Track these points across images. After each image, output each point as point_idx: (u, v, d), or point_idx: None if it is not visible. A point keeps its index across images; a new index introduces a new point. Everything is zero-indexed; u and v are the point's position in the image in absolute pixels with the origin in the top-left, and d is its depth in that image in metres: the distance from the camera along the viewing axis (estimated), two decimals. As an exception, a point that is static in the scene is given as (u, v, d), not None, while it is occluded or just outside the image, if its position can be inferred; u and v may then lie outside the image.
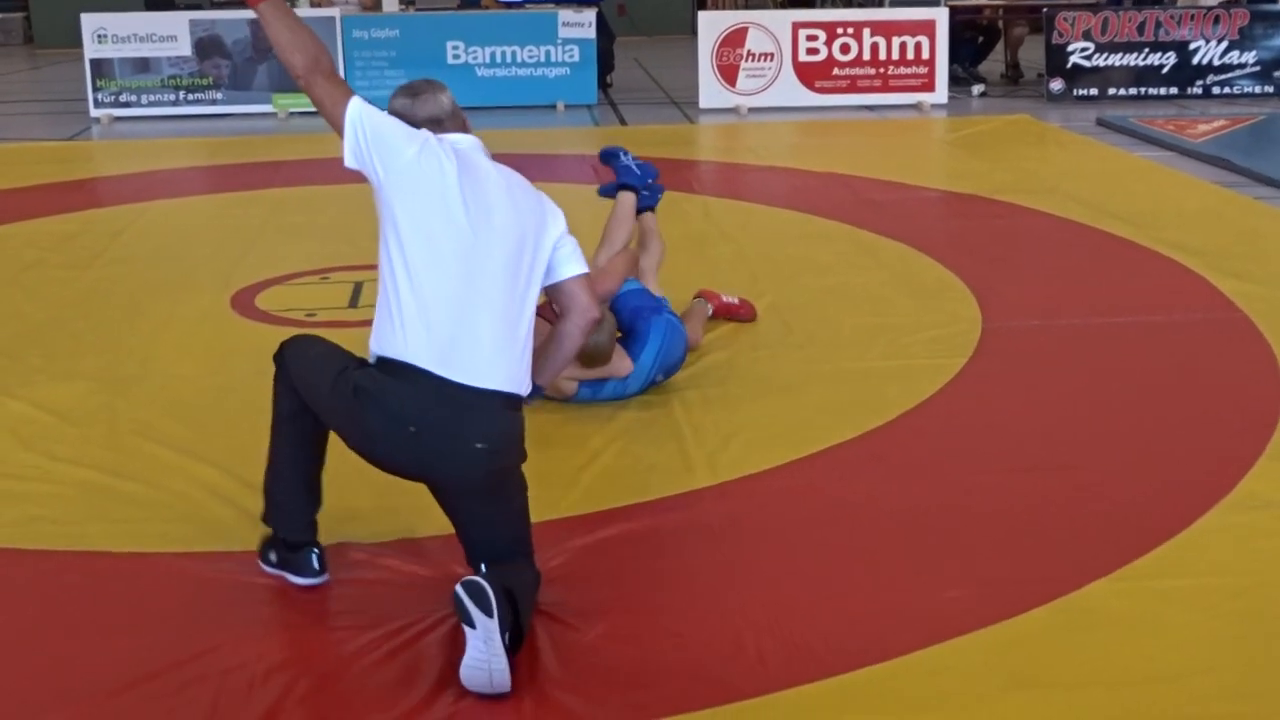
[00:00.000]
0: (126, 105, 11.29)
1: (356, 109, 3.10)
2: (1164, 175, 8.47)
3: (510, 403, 3.13)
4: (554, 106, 11.58)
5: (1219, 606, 3.20)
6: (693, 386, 4.68)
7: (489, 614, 2.79)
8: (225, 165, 9.43)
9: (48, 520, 3.73)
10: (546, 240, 3.24)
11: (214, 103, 11.34)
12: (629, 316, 4.52)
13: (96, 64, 11.26)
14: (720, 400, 4.58)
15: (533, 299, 3.21)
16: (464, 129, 3.26)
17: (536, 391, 3.36)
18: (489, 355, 3.08)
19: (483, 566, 3.08)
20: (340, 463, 3.32)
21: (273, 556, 3.33)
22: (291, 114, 11.24)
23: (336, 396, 3.11)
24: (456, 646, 2.89)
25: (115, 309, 5.75)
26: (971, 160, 9.15)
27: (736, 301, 5.28)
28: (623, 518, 3.70)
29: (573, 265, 3.29)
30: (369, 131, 3.09)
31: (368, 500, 3.68)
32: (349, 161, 3.16)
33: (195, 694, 2.86)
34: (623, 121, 11.22)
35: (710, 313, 5.15)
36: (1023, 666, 2.93)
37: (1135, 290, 5.85)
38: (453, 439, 3.04)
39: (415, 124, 3.18)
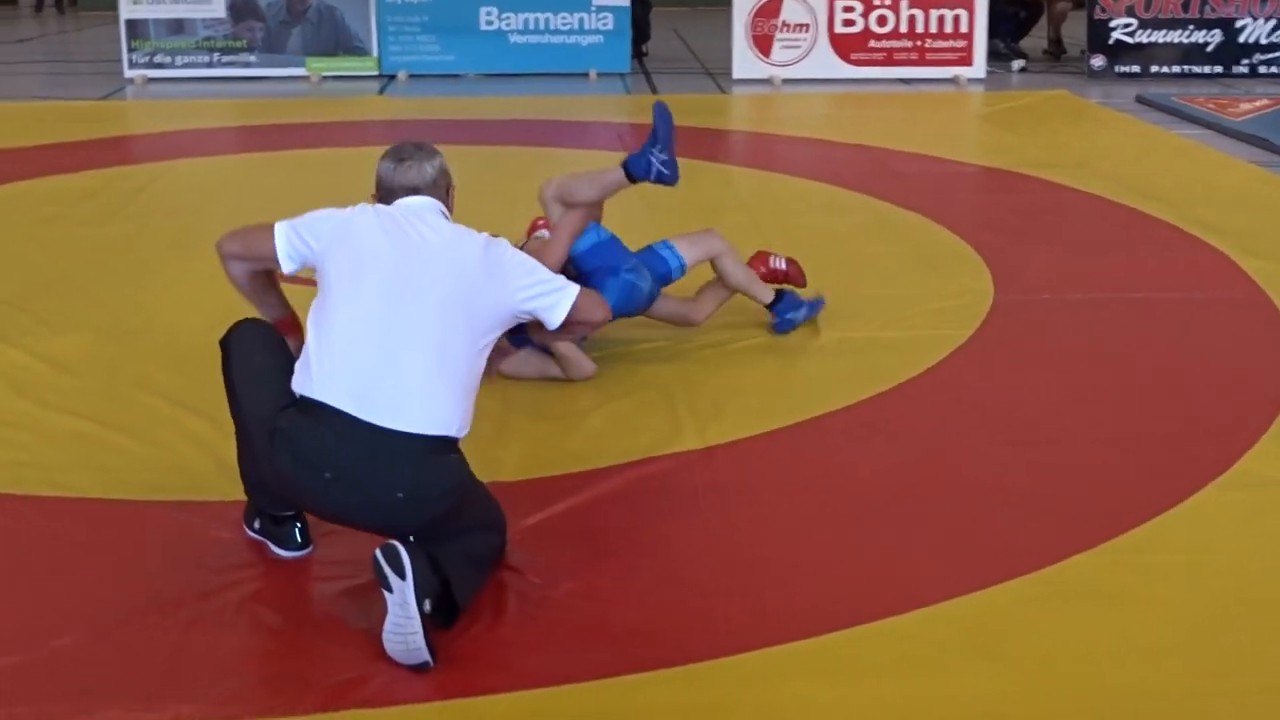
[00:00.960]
0: (160, 66, 11.35)
1: (281, 227, 3.16)
2: (1200, 153, 8.33)
3: (438, 447, 2.94)
4: (586, 74, 11.53)
5: (1204, 583, 3.15)
6: (689, 352, 4.67)
7: (402, 576, 2.69)
8: (254, 126, 9.49)
9: (34, 466, 3.76)
10: (503, 299, 3.09)
11: (247, 65, 11.37)
12: (589, 274, 4.41)
13: (132, 25, 11.33)
14: (716, 367, 4.55)
15: (477, 348, 3.05)
16: (442, 198, 3.25)
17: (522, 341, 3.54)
18: (415, 395, 2.91)
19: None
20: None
21: (257, 524, 3.28)
22: (324, 78, 11.28)
23: (256, 432, 3.01)
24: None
25: (127, 264, 5.79)
26: (1004, 135, 9.05)
27: (784, 266, 5.05)
28: (604, 478, 3.68)
29: (560, 307, 3.16)
30: (299, 230, 3.15)
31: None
32: (287, 268, 3.18)
33: (160, 638, 2.88)
34: (654, 90, 11.16)
35: (728, 298, 4.94)
36: (991, 637, 2.90)
37: (1155, 267, 5.77)
38: (370, 487, 2.89)
39: (390, 190, 3.21)
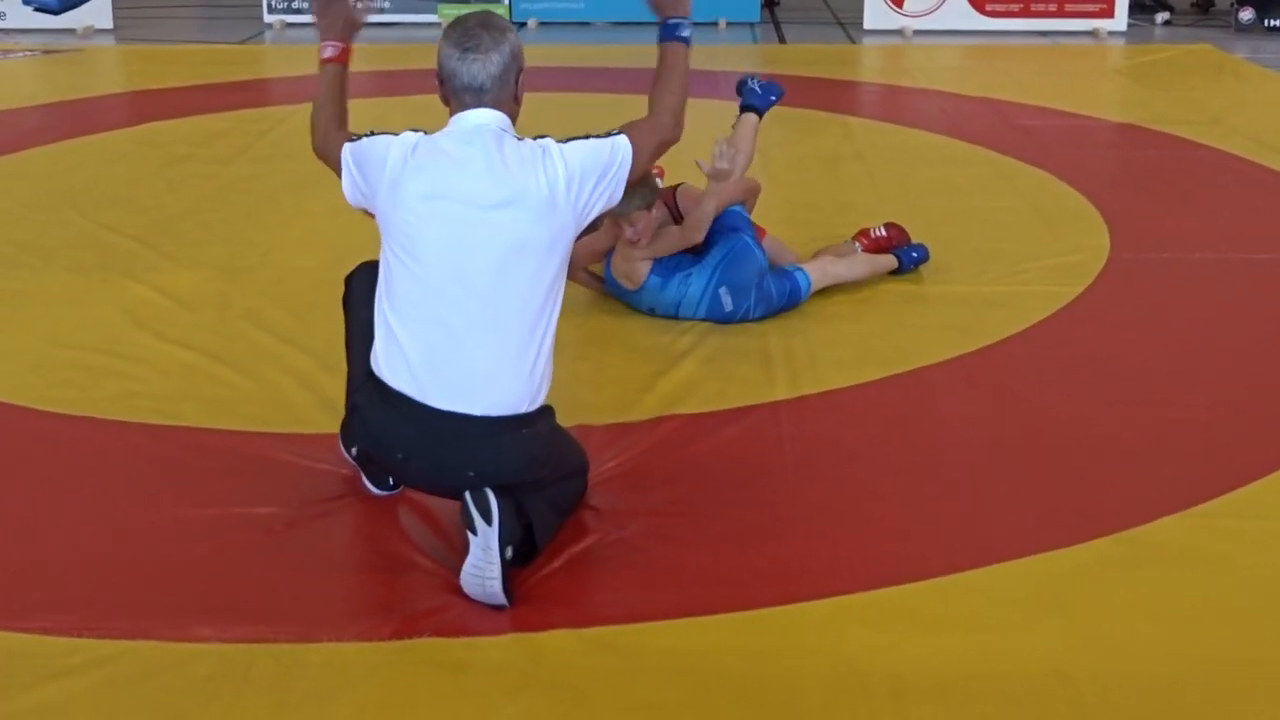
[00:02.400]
0: (299, 12, 11.57)
1: (347, 151, 3.04)
2: (1349, 111, 8.00)
3: (509, 425, 2.89)
4: (715, 23, 11.45)
5: (1291, 549, 3.07)
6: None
7: (489, 522, 2.72)
8: (385, 71, 9.61)
9: (146, 396, 3.90)
10: (567, 224, 2.94)
11: (381, 10, 11.53)
12: (712, 232, 4.47)
13: (272, -30, 11.58)
14: (815, 318, 4.51)
15: (548, 298, 2.93)
16: (510, 100, 3.00)
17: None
18: (480, 378, 2.86)
19: None
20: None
21: (354, 451, 3.18)
22: (456, 24, 11.38)
23: (350, 392, 3.12)
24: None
25: (248, 203, 5.97)
26: (1138, 89, 8.79)
27: (884, 233, 4.99)
28: (691, 424, 3.70)
29: (621, 181, 3.02)
30: (359, 164, 3.01)
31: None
32: (352, 200, 3.07)
33: (250, 562, 3.01)
34: (782, 40, 11.05)
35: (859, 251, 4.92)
36: (1065, 594, 2.85)
37: (1282, 228, 5.57)
38: (442, 466, 2.91)
39: (451, 87, 2.97)
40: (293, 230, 5.53)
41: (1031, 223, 5.60)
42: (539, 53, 10.30)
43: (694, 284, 4.41)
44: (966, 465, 3.51)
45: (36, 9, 11.36)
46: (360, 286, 3.20)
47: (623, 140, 3.05)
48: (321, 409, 3.75)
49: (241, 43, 10.96)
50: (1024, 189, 6.17)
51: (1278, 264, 5.09)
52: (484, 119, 2.95)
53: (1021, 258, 5.09)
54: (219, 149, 6.98)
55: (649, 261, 4.41)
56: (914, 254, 4.87)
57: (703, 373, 4.08)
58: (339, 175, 3.09)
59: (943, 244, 5.05)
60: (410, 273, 2.89)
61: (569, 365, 3.93)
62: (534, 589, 2.87)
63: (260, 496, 3.28)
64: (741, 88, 5.02)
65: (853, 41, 10.98)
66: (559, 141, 2.99)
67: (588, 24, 11.52)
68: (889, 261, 4.84)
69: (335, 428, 3.42)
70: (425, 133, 3.01)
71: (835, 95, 8.53)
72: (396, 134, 3.00)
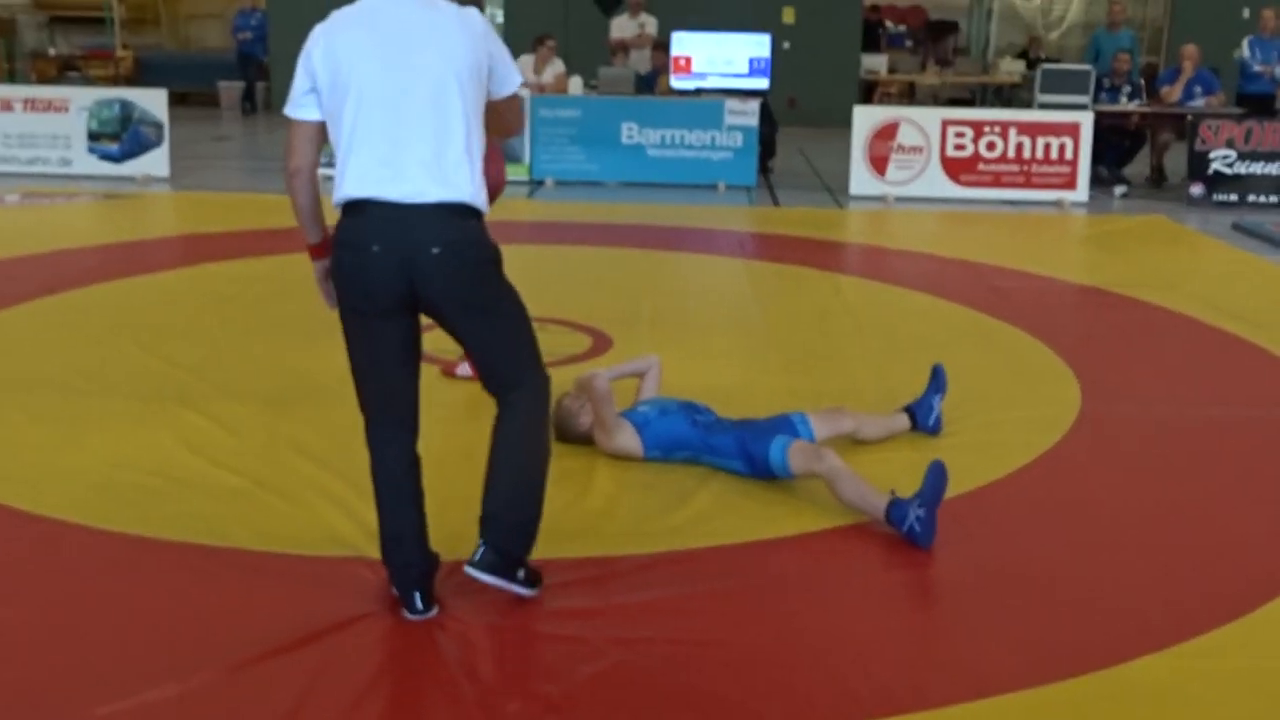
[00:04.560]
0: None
1: (290, 106, 3.27)
2: (1291, 280, 8.13)
3: (458, 211, 3.15)
4: (715, 186, 11.68)
5: (1267, 688, 3.04)
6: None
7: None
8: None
9: (199, 517, 3.90)
10: (480, 56, 3.22)
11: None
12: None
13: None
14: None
15: (471, 117, 3.20)
16: None
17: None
18: (426, 174, 3.11)
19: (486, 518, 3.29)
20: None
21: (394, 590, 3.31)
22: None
23: (343, 295, 3.23)
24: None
25: (291, 340, 6.00)
26: (1101, 255, 8.92)
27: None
28: (696, 558, 3.70)
29: (511, 83, 3.35)
30: (298, 86, 3.23)
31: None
32: (313, 115, 3.23)
33: (292, 675, 2.97)
34: (776, 203, 11.25)
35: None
36: (1051, 729, 2.83)
37: (1238, 385, 5.62)
38: (410, 248, 3.10)
39: None
40: (331, 365, 5.53)
41: (1007, 376, 5.64)
42: (556, 209, 10.52)
43: (705, 455, 4.39)
44: (955, 602, 3.51)
45: (101, 157, 11.58)
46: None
47: (514, 76, 3.37)
48: (358, 532, 3.75)
49: (284, 192, 11.10)
50: (1000, 344, 6.23)
51: (1234, 418, 5.12)
52: None
53: (999, 409, 5.12)
54: (264, 289, 7.06)
55: (630, 440, 4.43)
56: (913, 517, 3.81)
57: (713, 507, 4.07)
58: (293, 138, 3.30)
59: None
60: (357, 102, 3.13)
61: (584, 500, 3.94)
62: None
63: (300, 614, 3.26)
64: (911, 503, 3.84)
65: (839, 206, 11.16)
66: (486, 29, 3.29)
67: (599, 183, 11.73)
68: (881, 504, 3.92)
69: (371, 550, 3.44)
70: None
71: (825, 254, 8.67)
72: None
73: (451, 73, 3.16)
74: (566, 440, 4.53)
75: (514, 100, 3.42)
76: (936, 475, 3.79)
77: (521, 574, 3.29)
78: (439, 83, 3.15)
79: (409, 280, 3.13)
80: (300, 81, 3.22)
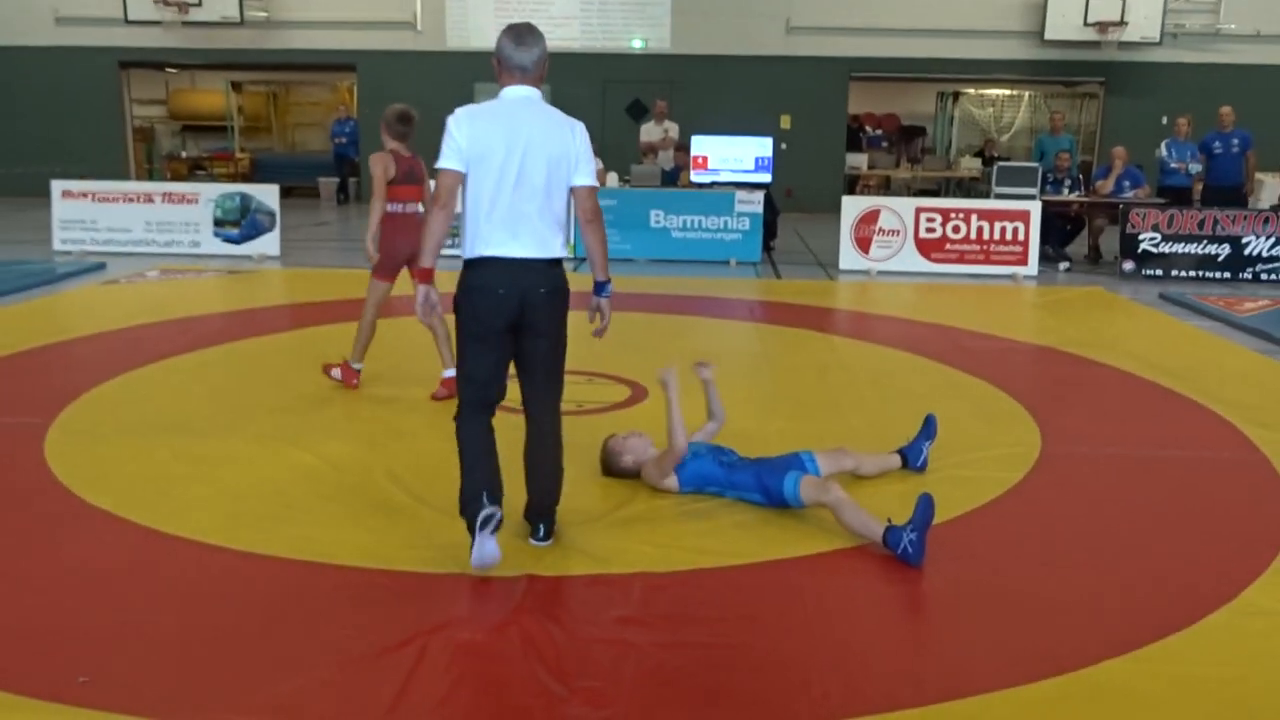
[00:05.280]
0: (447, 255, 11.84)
1: (443, 160, 3.53)
2: (1212, 341, 8.03)
3: (554, 263, 3.58)
4: (727, 262, 11.70)
5: (1214, 693, 2.97)
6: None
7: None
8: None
9: (311, 540, 3.89)
10: (572, 153, 3.58)
11: (478, 247, 11.80)
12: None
13: (398, 216, 11.90)
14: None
15: (564, 192, 3.58)
16: (538, 80, 3.62)
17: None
18: (535, 236, 3.52)
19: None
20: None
21: (466, 511, 3.58)
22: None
23: (468, 321, 3.57)
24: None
25: (383, 391, 6.01)
26: (1050, 320, 8.86)
27: None
28: (720, 575, 3.65)
29: (589, 176, 3.62)
30: (450, 147, 3.52)
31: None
32: (462, 168, 3.53)
33: (387, 678, 2.94)
34: (778, 276, 11.26)
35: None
36: (1033, 723, 2.76)
37: (1173, 430, 5.54)
38: (526, 289, 3.52)
39: (510, 63, 3.59)
40: (420, 413, 5.56)
41: (979, 422, 5.58)
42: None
43: (728, 491, 4.34)
44: (944, 613, 3.44)
45: (224, 240, 11.70)
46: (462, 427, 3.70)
47: (593, 174, 3.68)
48: (445, 553, 3.72)
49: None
50: (970, 395, 6.17)
51: (1171, 459, 5.04)
52: (528, 92, 3.63)
53: (973, 449, 5.06)
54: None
55: (661, 473, 4.37)
56: (906, 540, 3.75)
57: (738, 533, 4.03)
58: (447, 196, 3.55)
59: (908, 438, 5.03)
60: (487, 176, 3.50)
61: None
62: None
63: (398, 620, 3.24)
64: (905, 528, 3.79)
65: (831, 278, 11.15)
66: (583, 136, 3.65)
67: (632, 260, 11.77)
68: (877, 530, 3.86)
69: (455, 566, 3.42)
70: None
71: (820, 319, 8.64)
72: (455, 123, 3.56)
73: (554, 165, 3.55)
74: (610, 474, 4.51)
75: (588, 192, 3.66)
76: (925, 506, 3.76)
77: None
78: (547, 172, 3.53)
79: (520, 309, 3.55)
80: (449, 145, 3.53)
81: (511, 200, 3.49)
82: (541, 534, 3.81)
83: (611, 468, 4.52)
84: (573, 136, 3.59)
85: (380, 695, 2.83)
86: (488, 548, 3.46)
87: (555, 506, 3.82)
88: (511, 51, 3.59)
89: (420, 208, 5.92)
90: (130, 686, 2.86)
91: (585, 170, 3.61)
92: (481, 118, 3.54)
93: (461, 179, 3.53)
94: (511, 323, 3.55)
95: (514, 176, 3.48)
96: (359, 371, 6.08)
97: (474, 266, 3.55)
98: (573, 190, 3.62)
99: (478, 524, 3.45)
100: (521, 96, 3.61)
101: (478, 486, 3.53)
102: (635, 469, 4.49)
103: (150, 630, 3.19)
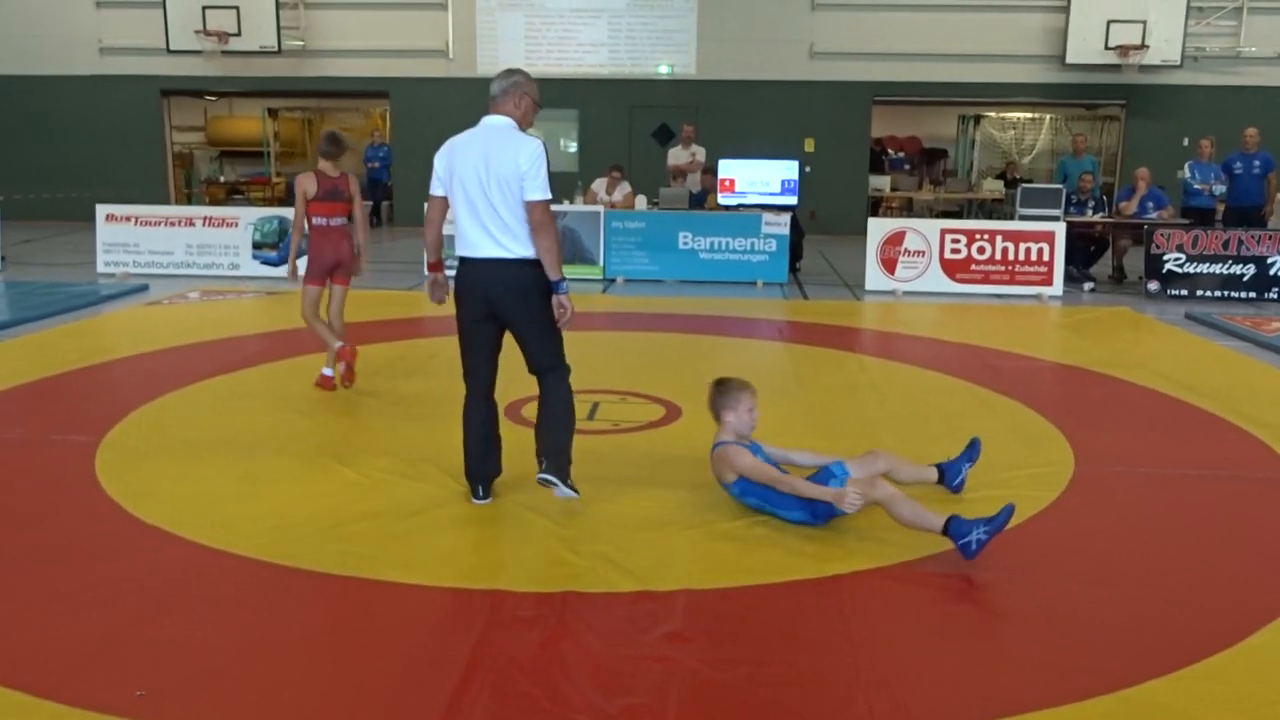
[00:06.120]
0: (451, 269, 11.86)
1: (432, 190, 4.30)
2: (1240, 361, 7.94)
3: (521, 262, 4.14)
4: (754, 283, 11.69)
5: (1258, 711, 2.92)
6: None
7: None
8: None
9: (355, 555, 3.90)
10: (515, 175, 4.10)
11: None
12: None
13: (432, 238, 11.97)
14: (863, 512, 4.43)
15: (519, 205, 4.10)
16: (509, 109, 4.23)
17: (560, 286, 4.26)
18: (492, 241, 4.14)
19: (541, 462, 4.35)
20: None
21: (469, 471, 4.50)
22: (563, 279, 11.65)
23: (458, 315, 4.31)
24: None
25: (421, 409, 6.02)
26: (1077, 340, 8.78)
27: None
28: (761, 591, 3.63)
29: (535, 192, 4.11)
30: (436, 177, 4.28)
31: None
32: (441, 193, 4.29)
33: (433, 695, 2.92)
34: (805, 296, 11.23)
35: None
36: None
37: (1207, 450, 5.47)
38: (495, 283, 4.17)
39: (490, 93, 4.25)
40: (456, 430, 5.54)
41: (1012, 441, 5.53)
42: (626, 301, 10.54)
43: (782, 512, 4.30)
44: (986, 632, 3.40)
45: (262, 262, 11.80)
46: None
47: (540, 188, 4.16)
48: (488, 571, 3.73)
49: (408, 290, 11.26)
50: (1001, 414, 6.12)
51: (1205, 478, 4.99)
52: (499, 120, 4.26)
53: (1008, 468, 5.02)
54: (398, 369, 7.10)
55: (734, 474, 4.35)
56: (973, 534, 3.87)
57: (777, 552, 4.01)
58: (436, 218, 4.41)
59: (945, 457, 4.99)
60: (462, 195, 4.18)
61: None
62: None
63: (441, 632, 3.25)
64: (979, 522, 3.88)
65: (857, 299, 11.11)
66: (530, 155, 4.15)
67: (660, 281, 11.77)
68: (937, 523, 3.95)
69: (501, 583, 3.41)
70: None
71: (849, 339, 8.59)
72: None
73: (504, 181, 4.12)
74: (713, 402, 4.52)
75: (533, 205, 4.12)
76: (1008, 513, 3.89)
77: (568, 483, 4.31)
78: (499, 187, 4.13)
79: (492, 299, 4.19)
80: (434, 176, 4.28)
81: (472, 211, 4.16)
82: (545, 470, 4.32)
83: (716, 407, 4.48)
84: (517, 157, 4.12)
85: (428, 711, 2.82)
86: (479, 494, 4.43)
87: (560, 454, 4.34)
88: (492, 85, 4.31)
89: (343, 221, 6.55)
90: (185, 699, 2.87)
91: (532, 186, 4.12)
92: (454, 149, 4.25)
93: (442, 202, 4.31)
94: (485, 311, 4.23)
95: (475, 191, 4.15)
96: (330, 376, 6.51)
97: (459, 266, 4.27)
98: (526, 205, 4.12)
99: (470, 480, 4.45)
100: (489, 124, 4.27)
101: (472, 472, 4.44)
102: (724, 439, 4.41)
103: (203, 645, 3.20)
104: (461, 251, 4.24)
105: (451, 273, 4.39)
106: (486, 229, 4.13)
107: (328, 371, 6.48)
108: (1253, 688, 3.03)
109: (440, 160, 4.25)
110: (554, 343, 4.32)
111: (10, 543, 3.96)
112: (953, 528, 3.85)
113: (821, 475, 4.33)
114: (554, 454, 4.33)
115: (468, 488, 4.46)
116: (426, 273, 4.58)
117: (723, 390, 4.50)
